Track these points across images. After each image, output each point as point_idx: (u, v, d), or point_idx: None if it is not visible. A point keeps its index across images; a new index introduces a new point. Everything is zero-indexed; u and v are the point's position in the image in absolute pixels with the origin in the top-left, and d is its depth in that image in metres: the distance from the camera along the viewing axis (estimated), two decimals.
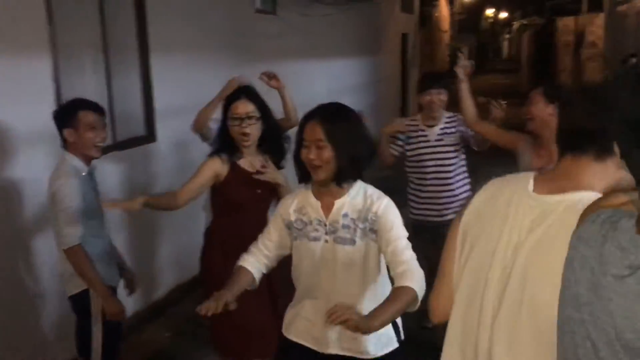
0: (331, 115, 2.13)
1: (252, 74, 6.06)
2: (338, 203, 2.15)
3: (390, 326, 2.20)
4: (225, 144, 2.94)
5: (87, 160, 2.84)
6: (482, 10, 48.36)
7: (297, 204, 2.23)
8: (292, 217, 2.22)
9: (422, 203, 3.77)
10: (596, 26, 19.27)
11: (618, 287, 0.96)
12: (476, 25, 46.98)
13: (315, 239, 2.17)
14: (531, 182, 1.42)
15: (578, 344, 1.06)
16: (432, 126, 3.71)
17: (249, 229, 2.89)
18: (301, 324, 2.28)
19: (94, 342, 2.85)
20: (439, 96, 3.64)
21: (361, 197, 2.16)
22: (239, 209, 2.97)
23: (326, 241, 2.16)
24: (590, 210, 1.15)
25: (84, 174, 2.81)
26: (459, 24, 38.63)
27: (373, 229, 2.10)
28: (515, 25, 42.97)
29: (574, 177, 1.37)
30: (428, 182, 3.73)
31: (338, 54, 9.56)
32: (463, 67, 3.44)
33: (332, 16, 8.40)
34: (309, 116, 2.15)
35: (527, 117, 2.96)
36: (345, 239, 2.13)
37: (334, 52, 9.34)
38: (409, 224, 2.78)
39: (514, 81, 25.80)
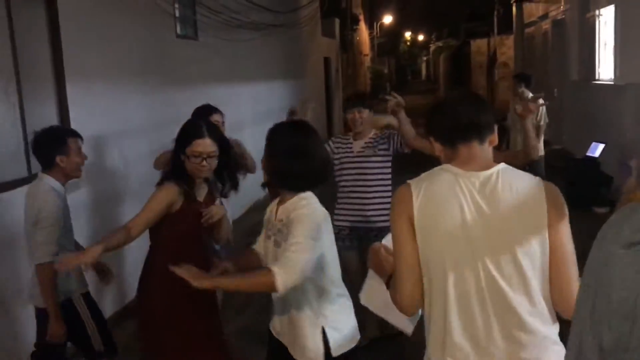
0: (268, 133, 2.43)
1: (175, 99, 6.01)
2: (281, 208, 2.37)
3: (320, 342, 2.30)
4: (179, 174, 2.82)
5: (66, 181, 3.16)
6: (401, 33, 50.03)
7: (276, 204, 2.46)
8: (267, 215, 2.49)
9: (344, 208, 4.04)
10: (507, 47, 20.37)
11: (621, 257, 1.16)
12: (395, 48, 48.50)
13: (268, 237, 2.43)
14: (455, 168, 1.80)
15: (583, 302, 1.24)
16: (358, 139, 4.06)
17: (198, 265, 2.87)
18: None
19: (92, 340, 3.21)
20: (361, 114, 3.98)
21: (295, 203, 2.31)
22: (190, 243, 2.85)
23: (272, 241, 2.39)
24: (623, 202, 1.37)
25: (62, 194, 3.10)
26: (379, 47, 39.76)
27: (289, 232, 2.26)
28: (432, 47, 44.71)
29: (477, 159, 1.80)
30: (348, 188, 4.03)
31: (263, 77, 9.60)
32: (396, 104, 3.75)
33: (254, 40, 8.44)
34: None
35: None
36: (277, 242, 2.32)
37: (259, 76, 9.37)
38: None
39: (433, 101, 26.72)
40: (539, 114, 6.43)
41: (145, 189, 5.04)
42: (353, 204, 4.00)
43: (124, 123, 5.10)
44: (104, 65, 4.88)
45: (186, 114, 4.80)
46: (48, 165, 3.08)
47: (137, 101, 5.39)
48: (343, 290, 2.42)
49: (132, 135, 5.22)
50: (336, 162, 4.01)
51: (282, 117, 5.25)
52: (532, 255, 1.70)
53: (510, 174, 1.77)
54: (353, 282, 3.42)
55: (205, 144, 2.77)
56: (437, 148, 1.88)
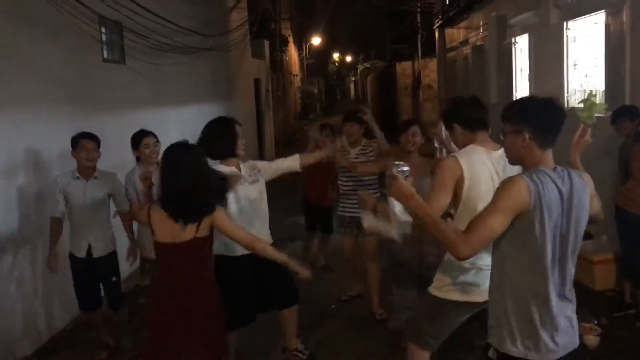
0: None
1: (102, 125, 5.88)
2: None
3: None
4: None
5: (84, 172, 4.27)
6: (329, 54, 50.77)
7: None
8: None
9: (345, 203, 5.15)
10: (430, 70, 21.08)
11: None
12: (324, 68, 49.15)
13: None
14: (480, 147, 2.86)
15: None
16: (353, 147, 5.10)
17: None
18: None
19: None
20: (353, 127, 5.06)
21: None
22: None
23: None
24: None
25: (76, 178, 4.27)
26: (309, 68, 40.20)
27: None
28: (360, 68, 45.55)
29: (488, 142, 2.89)
30: (347, 186, 5.12)
31: (191, 100, 9.53)
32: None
33: (183, 64, 8.38)
34: None
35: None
36: None
37: (187, 99, 9.30)
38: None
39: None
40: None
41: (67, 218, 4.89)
42: (351, 199, 5.01)
43: (48, 149, 4.95)
44: (26, 91, 4.73)
45: (113, 139, 4.74)
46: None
47: (63, 127, 5.23)
48: None
49: (57, 162, 5.07)
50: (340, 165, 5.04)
51: None
52: None
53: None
54: (348, 260, 5.40)
55: None
56: (459, 132, 2.93)
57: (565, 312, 2.17)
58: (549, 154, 2.20)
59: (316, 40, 38.14)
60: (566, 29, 7.59)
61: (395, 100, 23.58)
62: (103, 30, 6.26)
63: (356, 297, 5.48)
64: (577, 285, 5.65)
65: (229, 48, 11.84)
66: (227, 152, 3.66)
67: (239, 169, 3.70)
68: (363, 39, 40.61)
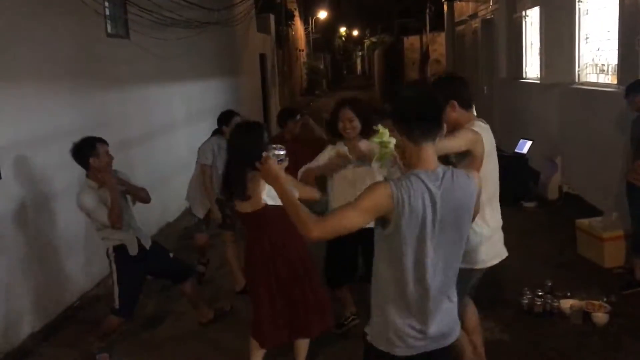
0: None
1: (106, 100, 5.83)
2: None
3: None
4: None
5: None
6: (336, 29, 50.28)
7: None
8: None
9: None
10: (438, 44, 20.83)
11: None
12: (331, 43, 48.72)
13: None
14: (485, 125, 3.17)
15: None
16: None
17: None
18: None
19: (114, 292, 4.05)
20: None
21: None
22: None
23: None
24: None
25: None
26: (315, 43, 39.86)
27: None
28: (367, 43, 45.12)
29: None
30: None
31: (196, 76, 9.44)
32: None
33: (188, 39, 8.28)
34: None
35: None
36: None
37: (193, 75, 9.21)
38: None
39: (369, 97, 26.82)
40: None
41: (72, 193, 4.89)
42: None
43: (57, 126, 4.92)
44: (29, 66, 4.67)
45: (117, 115, 4.69)
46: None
47: (66, 102, 5.20)
48: None
49: (60, 137, 5.02)
50: None
51: (216, 115, 5.31)
52: None
53: None
54: None
55: None
56: (457, 109, 3.06)
57: (439, 309, 2.22)
58: (427, 151, 2.16)
59: (322, 15, 37.74)
60: (578, 1, 7.42)
61: (403, 76, 23.35)
62: (106, 4, 6.16)
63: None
64: (587, 262, 5.61)
65: (234, 22, 11.69)
66: (334, 134, 4.09)
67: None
68: (370, 13, 40.12)
